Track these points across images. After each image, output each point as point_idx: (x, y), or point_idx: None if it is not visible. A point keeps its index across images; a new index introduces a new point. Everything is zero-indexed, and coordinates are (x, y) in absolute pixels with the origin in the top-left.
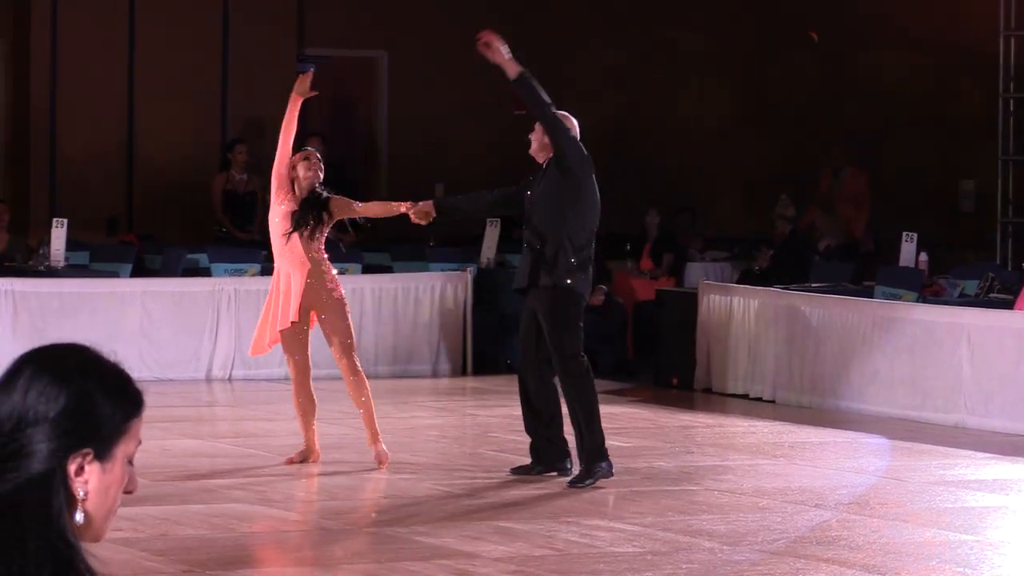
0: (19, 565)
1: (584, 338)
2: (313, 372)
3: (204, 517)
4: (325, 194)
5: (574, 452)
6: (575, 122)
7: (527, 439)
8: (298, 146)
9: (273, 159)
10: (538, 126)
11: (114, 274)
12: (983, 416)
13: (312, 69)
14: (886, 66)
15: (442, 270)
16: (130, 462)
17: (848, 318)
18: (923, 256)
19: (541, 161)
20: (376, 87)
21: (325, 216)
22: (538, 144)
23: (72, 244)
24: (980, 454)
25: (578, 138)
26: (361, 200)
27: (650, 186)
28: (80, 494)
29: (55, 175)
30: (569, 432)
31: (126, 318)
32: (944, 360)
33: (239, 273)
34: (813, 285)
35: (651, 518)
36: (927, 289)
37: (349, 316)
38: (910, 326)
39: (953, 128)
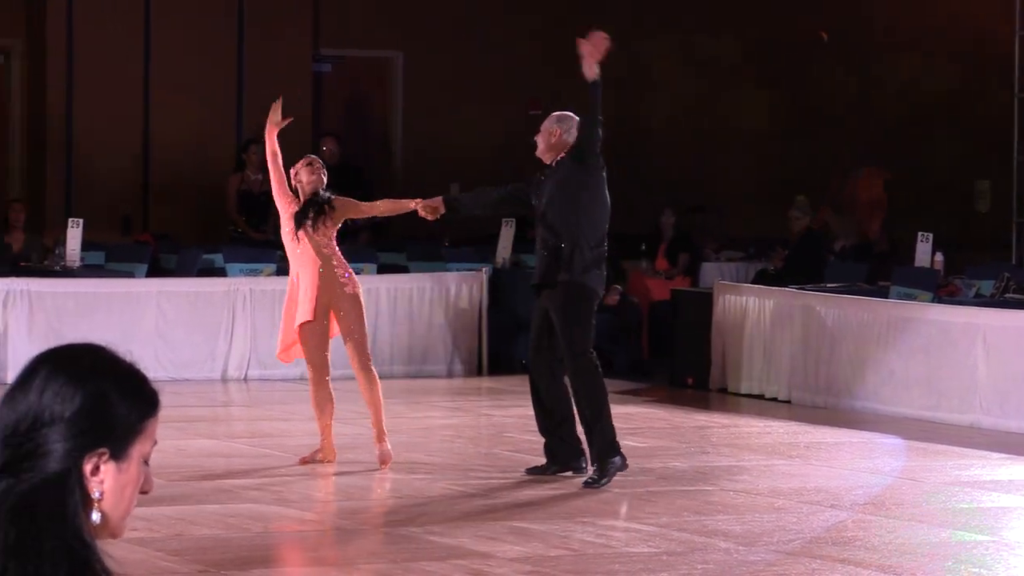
0: (35, 565)
1: (599, 338)
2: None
3: (219, 517)
4: (328, 195)
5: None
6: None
7: (542, 439)
8: (313, 146)
9: (285, 161)
10: (544, 127)
11: (129, 274)
12: (998, 416)
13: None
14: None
15: (457, 270)
16: (146, 462)
17: (863, 318)
18: (938, 256)
19: (548, 161)
20: (391, 87)
21: (327, 208)
22: (545, 145)
23: (87, 244)
24: (995, 454)
25: None
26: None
27: (666, 186)
28: (96, 494)
29: (71, 175)
30: (582, 431)
31: (141, 318)
32: (959, 360)
33: (254, 273)
34: (828, 285)
35: (666, 518)
36: (942, 289)
37: (364, 313)
38: (925, 326)
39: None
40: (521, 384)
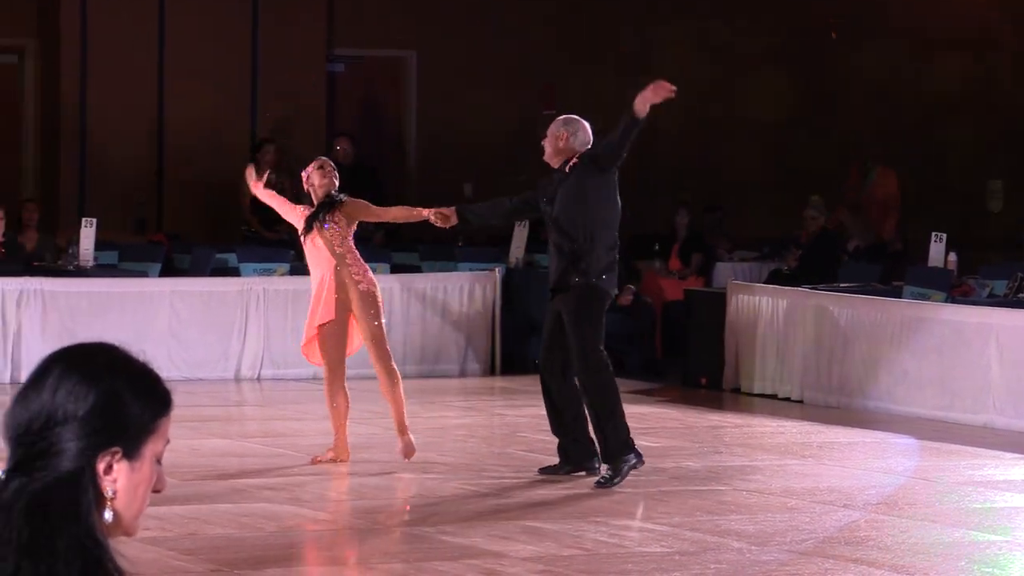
0: (48, 564)
1: (612, 338)
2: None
3: (233, 516)
4: (340, 197)
5: None
6: (587, 125)
7: (555, 439)
8: (327, 146)
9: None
10: (551, 131)
11: (143, 274)
12: (1012, 416)
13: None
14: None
15: (470, 270)
16: (158, 461)
17: (876, 318)
18: (952, 256)
19: (556, 166)
20: (405, 87)
21: (337, 206)
22: (552, 149)
23: (101, 244)
24: (1009, 454)
25: (591, 142)
26: (388, 205)
27: (678, 174)
28: (109, 492)
29: (84, 175)
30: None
31: (155, 317)
32: (973, 360)
33: (268, 273)
34: (842, 285)
35: (679, 518)
36: (956, 289)
37: (381, 310)
38: (939, 326)
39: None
40: (534, 384)
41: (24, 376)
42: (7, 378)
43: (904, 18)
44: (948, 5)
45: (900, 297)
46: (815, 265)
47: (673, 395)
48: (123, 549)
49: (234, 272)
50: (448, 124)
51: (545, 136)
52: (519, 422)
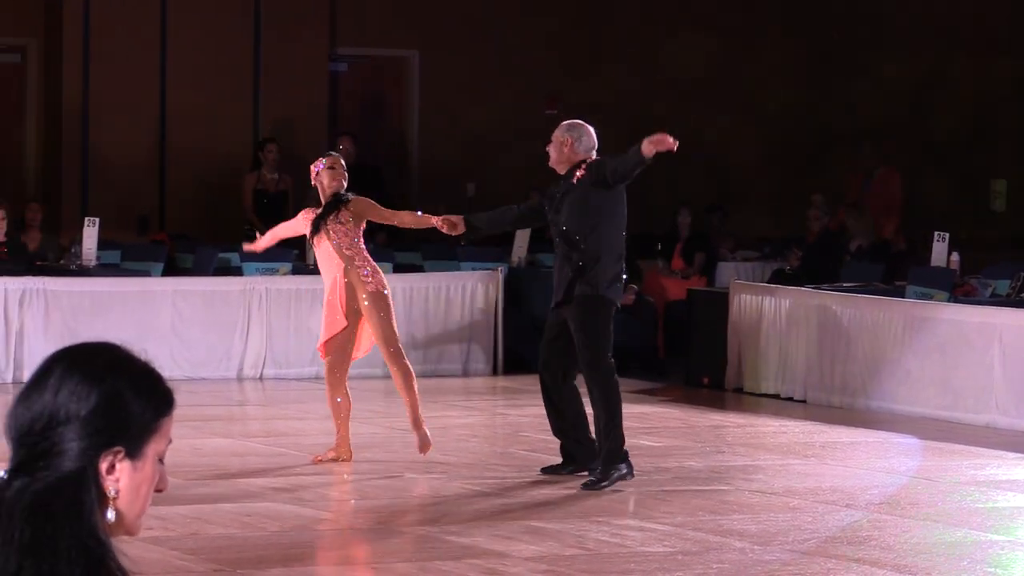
0: (51, 563)
1: (615, 337)
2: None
3: (235, 516)
4: (347, 196)
5: None
6: (591, 130)
7: (558, 440)
8: (330, 146)
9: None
10: (555, 138)
11: (145, 273)
12: (1015, 416)
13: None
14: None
15: (473, 269)
16: (161, 460)
17: (879, 318)
18: (955, 256)
19: (562, 172)
20: (408, 87)
21: (342, 205)
22: (557, 155)
23: (104, 243)
24: (1011, 454)
25: (596, 147)
26: (394, 207)
27: (684, 185)
28: (111, 492)
29: (87, 175)
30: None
31: (157, 317)
32: (975, 360)
33: (270, 272)
34: (844, 285)
35: (682, 518)
36: (958, 289)
37: (391, 309)
38: (941, 326)
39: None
40: (536, 384)
41: (27, 376)
42: (10, 378)
43: (907, 19)
44: (948, 6)
45: (903, 297)
46: (818, 265)
47: (676, 395)
48: (125, 549)
49: (237, 271)
50: (451, 123)
51: (550, 141)
52: (522, 422)
